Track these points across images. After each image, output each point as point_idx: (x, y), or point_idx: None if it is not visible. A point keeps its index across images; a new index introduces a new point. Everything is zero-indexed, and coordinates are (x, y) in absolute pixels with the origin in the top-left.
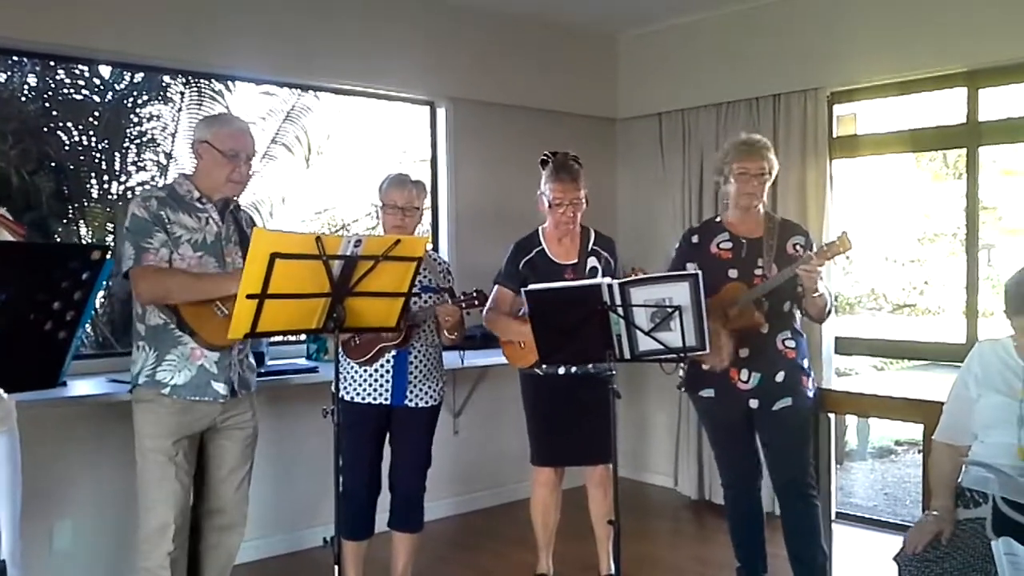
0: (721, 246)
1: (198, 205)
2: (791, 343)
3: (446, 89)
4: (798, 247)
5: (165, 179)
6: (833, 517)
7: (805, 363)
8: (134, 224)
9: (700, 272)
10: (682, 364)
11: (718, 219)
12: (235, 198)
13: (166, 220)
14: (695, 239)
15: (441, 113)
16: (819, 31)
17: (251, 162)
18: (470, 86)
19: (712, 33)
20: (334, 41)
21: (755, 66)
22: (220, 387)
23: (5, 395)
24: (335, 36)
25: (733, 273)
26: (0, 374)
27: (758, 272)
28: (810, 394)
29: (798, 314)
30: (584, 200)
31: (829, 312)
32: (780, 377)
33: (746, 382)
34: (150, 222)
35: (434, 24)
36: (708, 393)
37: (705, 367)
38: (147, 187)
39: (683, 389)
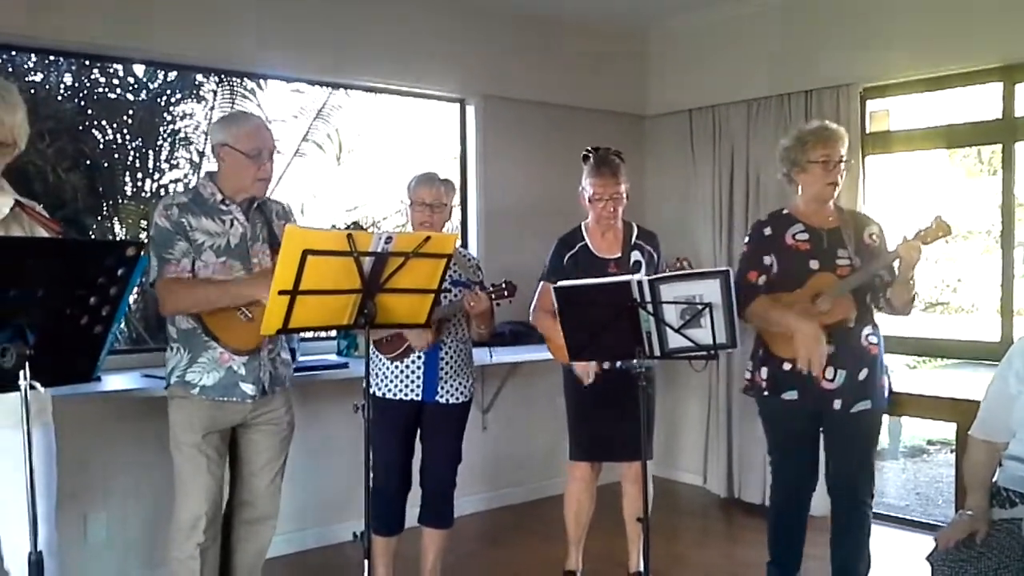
0: (797, 237)
1: (222, 208)
2: (874, 338)
3: (476, 86)
4: (874, 236)
5: (198, 176)
6: None
7: (884, 360)
8: (156, 234)
9: (730, 269)
10: (747, 368)
11: (785, 211)
12: (259, 197)
13: (187, 227)
14: (767, 231)
15: (471, 110)
16: (852, 26)
17: (273, 157)
18: (500, 83)
19: (743, 29)
20: (365, 39)
21: (786, 62)
22: (248, 388)
23: (42, 389)
24: (366, 34)
25: (814, 264)
26: (37, 368)
27: (842, 262)
28: (886, 394)
29: (875, 308)
30: (625, 194)
31: (914, 304)
32: (863, 375)
33: (831, 380)
34: (172, 231)
35: (464, 21)
36: (791, 395)
37: (800, 366)
38: (172, 191)
39: (766, 393)
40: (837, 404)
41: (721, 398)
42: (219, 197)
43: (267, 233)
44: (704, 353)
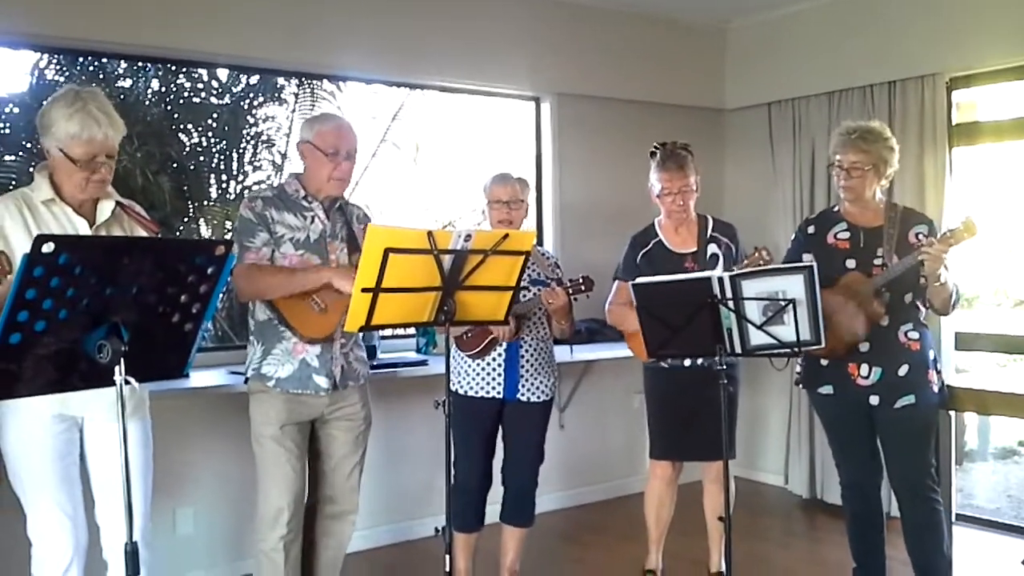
0: (838, 236)
1: (304, 204)
2: (914, 334)
3: (551, 84)
4: (920, 236)
5: (280, 178)
6: (953, 519)
7: (931, 355)
8: (240, 224)
9: (815, 264)
10: (798, 360)
11: (836, 208)
12: (341, 195)
13: (270, 220)
14: (811, 229)
15: (546, 108)
16: (937, 14)
17: (353, 158)
18: (575, 80)
19: (824, 20)
20: (441, 40)
21: (869, 52)
22: (322, 380)
23: (136, 384)
24: (442, 35)
25: (851, 263)
26: (132, 364)
27: (877, 262)
28: (935, 389)
29: (921, 307)
30: (694, 187)
31: (954, 304)
32: (903, 371)
33: (866, 377)
34: (254, 222)
35: (539, 20)
36: (826, 390)
37: (823, 362)
38: (259, 187)
39: (801, 385)
40: (874, 400)
41: (803, 397)
42: (303, 194)
43: (346, 233)
44: (787, 351)
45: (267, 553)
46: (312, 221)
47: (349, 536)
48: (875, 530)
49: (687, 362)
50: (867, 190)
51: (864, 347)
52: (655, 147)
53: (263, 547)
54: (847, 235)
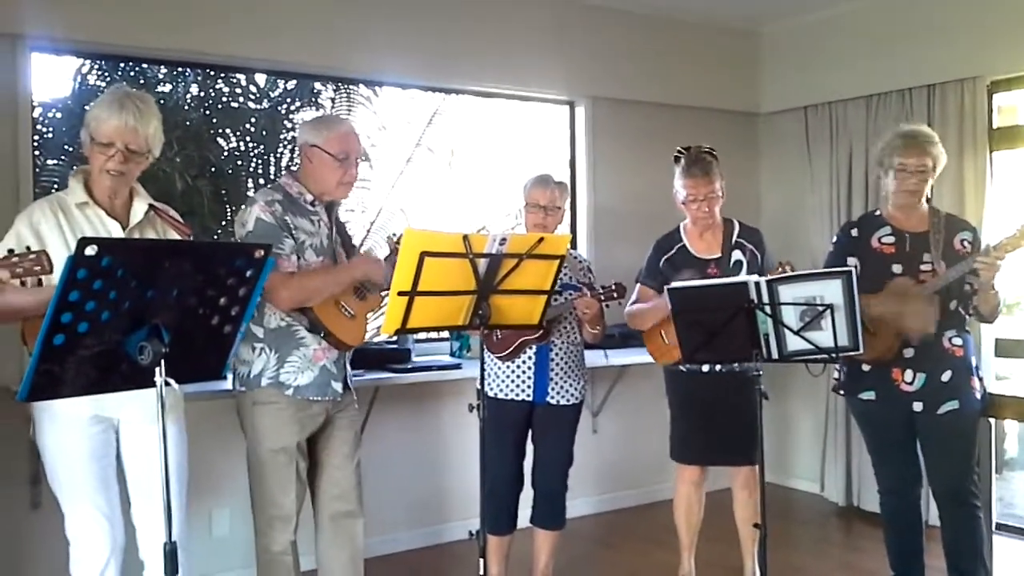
0: (883, 240)
1: (310, 208)
2: (958, 340)
3: (586, 88)
4: (965, 243)
5: None
6: (993, 528)
7: (973, 361)
8: (261, 229)
9: (854, 269)
10: (836, 365)
11: (878, 212)
12: (341, 200)
13: (291, 226)
14: (854, 232)
15: (580, 112)
16: (977, 16)
17: (359, 163)
18: (610, 84)
19: (861, 22)
20: (476, 45)
21: (908, 55)
22: (338, 385)
23: (176, 386)
24: (477, 40)
25: (897, 268)
26: (171, 365)
27: (925, 268)
28: (978, 395)
29: (965, 313)
30: (719, 192)
31: (1000, 311)
32: (946, 376)
33: (910, 383)
34: (277, 227)
35: (573, 24)
36: (868, 395)
37: (866, 367)
38: (263, 190)
39: (842, 392)
40: (918, 406)
41: (839, 403)
42: (308, 198)
43: (340, 238)
44: (825, 356)
45: (278, 556)
46: (319, 225)
47: (362, 533)
48: (914, 538)
49: (705, 367)
50: (926, 193)
51: (908, 352)
52: (679, 152)
53: (275, 549)
54: (892, 239)
